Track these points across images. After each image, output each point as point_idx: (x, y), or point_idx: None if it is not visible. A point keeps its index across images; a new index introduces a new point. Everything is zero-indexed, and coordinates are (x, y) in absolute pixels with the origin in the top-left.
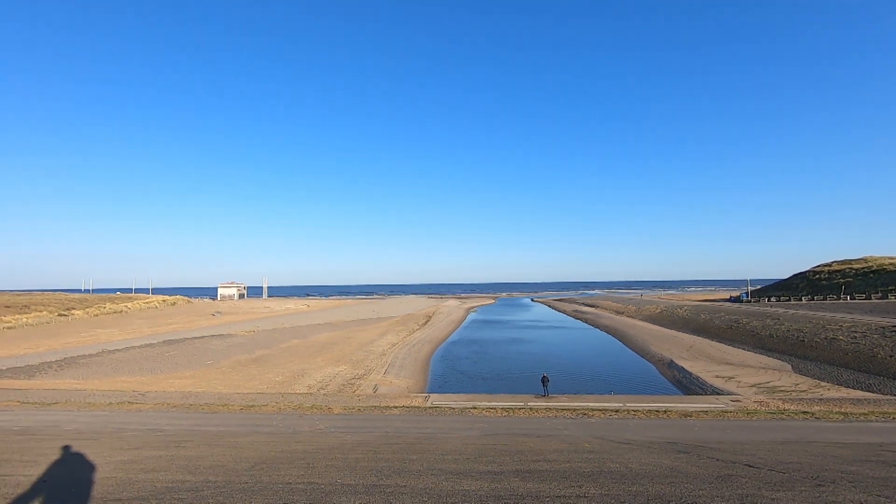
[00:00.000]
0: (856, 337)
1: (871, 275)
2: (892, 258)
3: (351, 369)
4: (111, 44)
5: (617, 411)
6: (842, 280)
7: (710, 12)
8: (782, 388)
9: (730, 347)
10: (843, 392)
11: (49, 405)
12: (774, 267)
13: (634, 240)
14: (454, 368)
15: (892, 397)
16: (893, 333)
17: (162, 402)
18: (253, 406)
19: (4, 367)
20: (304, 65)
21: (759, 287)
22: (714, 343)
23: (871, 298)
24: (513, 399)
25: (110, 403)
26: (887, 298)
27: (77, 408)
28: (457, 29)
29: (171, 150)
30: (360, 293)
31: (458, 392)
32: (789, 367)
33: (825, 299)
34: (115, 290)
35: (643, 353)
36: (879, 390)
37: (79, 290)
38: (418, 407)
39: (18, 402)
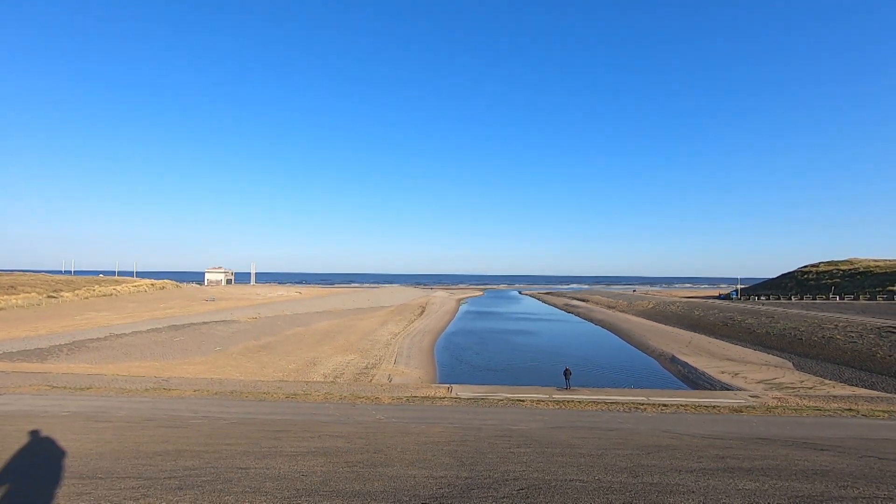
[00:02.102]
0: (852, 336)
1: (858, 276)
2: (875, 260)
3: (361, 358)
4: (95, 22)
5: (653, 405)
6: (829, 281)
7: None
8: (789, 385)
9: (728, 344)
10: (849, 390)
11: (81, 390)
12: (760, 266)
13: (619, 235)
14: (459, 359)
15: None
16: (889, 334)
17: (196, 389)
18: (296, 395)
19: (14, 350)
20: (294, 50)
21: (747, 285)
22: (712, 339)
23: (859, 299)
24: (536, 391)
25: (146, 389)
26: (875, 299)
27: (114, 393)
28: (436, 17)
29: (159, 134)
30: (346, 281)
31: (473, 383)
32: (790, 364)
33: (815, 299)
34: (98, 273)
35: (643, 347)
36: (883, 388)
37: (59, 272)
38: (453, 397)
39: (48, 385)
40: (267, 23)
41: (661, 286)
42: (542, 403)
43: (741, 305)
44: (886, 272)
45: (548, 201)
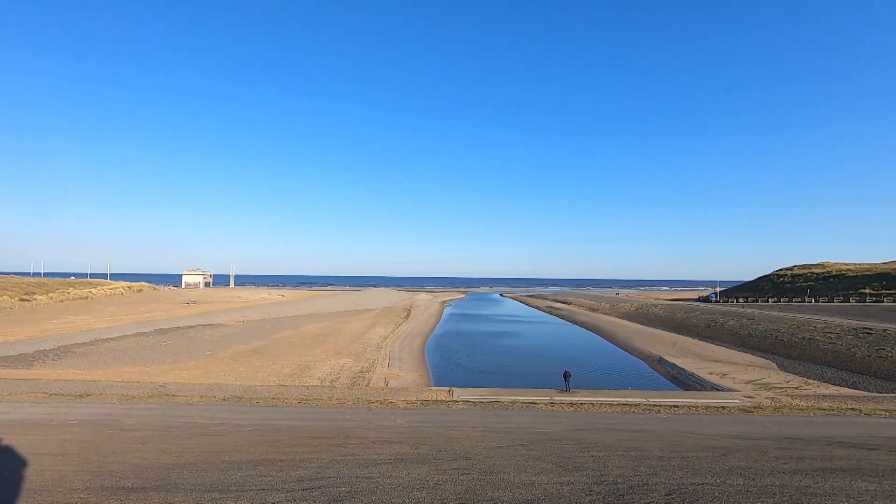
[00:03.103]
0: (831, 337)
1: (832, 279)
2: (846, 264)
3: (354, 362)
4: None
5: (665, 406)
6: (804, 284)
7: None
8: (776, 385)
9: (713, 345)
10: (833, 389)
11: (80, 397)
12: (736, 270)
13: (598, 238)
14: (450, 361)
15: (886, 395)
16: (865, 335)
17: (202, 396)
18: (308, 399)
19: None
20: (274, 45)
21: (725, 288)
22: (696, 341)
23: (833, 301)
24: (535, 393)
25: (149, 396)
26: (849, 302)
27: (116, 400)
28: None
29: (131, 132)
30: (325, 284)
31: (470, 386)
32: (774, 365)
33: (791, 301)
34: (69, 275)
35: (630, 349)
36: (865, 388)
37: (28, 274)
38: (455, 401)
39: (43, 393)
40: (241, 21)
41: (639, 289)
42: (556, 406)
43: (721, 307)
44: (857, 275)
45: (527, 204)
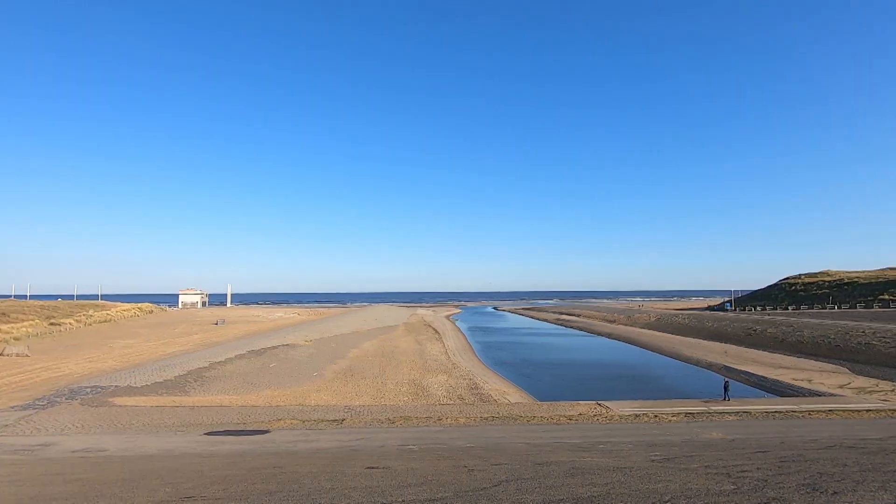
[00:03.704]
0: (888, 342)
1: (846, 286)
2: (849, 272)
3: (449, 378)
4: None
5: (813, 412)
6: (818, 291)
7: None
8: (871, 389)
9: (765, 353)
10: None
11: (338, 422)
12: (725, 279)
13: (582, 249)
14: (522, 374)
15: None
16: None
17: (390, 419)
18: (494, 418)
19: (141, 384)
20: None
21: (733, 297)
22: (744, 349)
23: (856, 308)
24: (689, 404)
25: (342, 420)
26: (872, 308)
27: (364, 425)
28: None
29: (111, 148)
30: (321, 302)
31: (565, 399)
32: (846, 370)
33: (811, 308)
34: (56, 297)
35: (683, 358)
36: None
37: (10, 296)
38: (622, 415)
39: (297, 420)
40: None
41: (633, 300)
42: (730, 416)
43: (745, 316)
44: (871, 282)
45: (511, 215)
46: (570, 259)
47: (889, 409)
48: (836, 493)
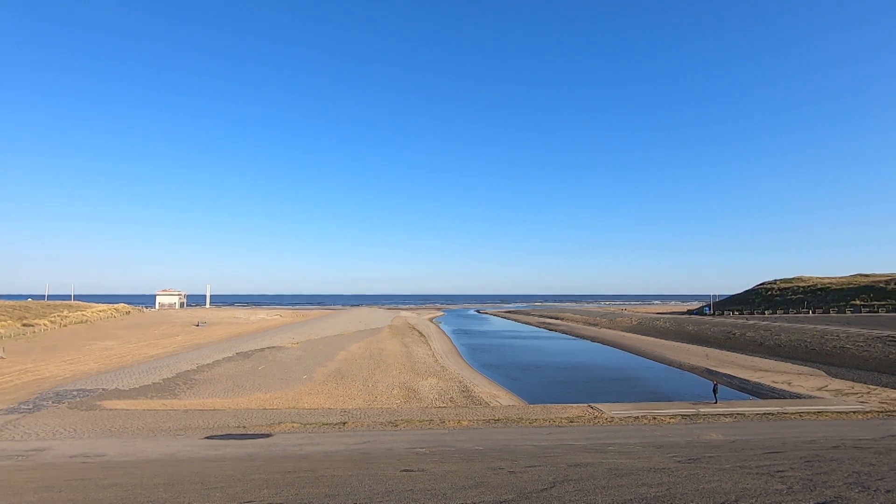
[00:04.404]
0: (861, 346)
1: (819, 292)
2: (821, 278)
3: (439, 381)
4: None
5: (802, 414)
6: (794, 296)
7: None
8: (847, 392)
9: (745, 356)
10: None
11: (340, 425)
12: (698, 283)
13: (560, 252)
14: (510, 377)
15: None
16: (892, 342)
17: (390, 422)
18: (499, 420)
19: (129, 387)
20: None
21: (708, 302)
22: (725, 352)
23: (829, 312)
24: (680, 406)
25: (380, 424)
26: (844, 313)
27: (366, 428)
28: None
29: (88, 144)
30: (299, 303)
31: (558, 402)
32: (822, 372)
33: (787, 312)
34: (24, 297)
35: (667, 361)
36: None
37: None
38: (611, 418)
39: (297, 423)
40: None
41: (609, 304)
42: (761, 417)
43: (721, 319)
44: (843, 288)
45: (485, 216)
46: (549, 264)
47: (876, 411)
48: (889, 490)
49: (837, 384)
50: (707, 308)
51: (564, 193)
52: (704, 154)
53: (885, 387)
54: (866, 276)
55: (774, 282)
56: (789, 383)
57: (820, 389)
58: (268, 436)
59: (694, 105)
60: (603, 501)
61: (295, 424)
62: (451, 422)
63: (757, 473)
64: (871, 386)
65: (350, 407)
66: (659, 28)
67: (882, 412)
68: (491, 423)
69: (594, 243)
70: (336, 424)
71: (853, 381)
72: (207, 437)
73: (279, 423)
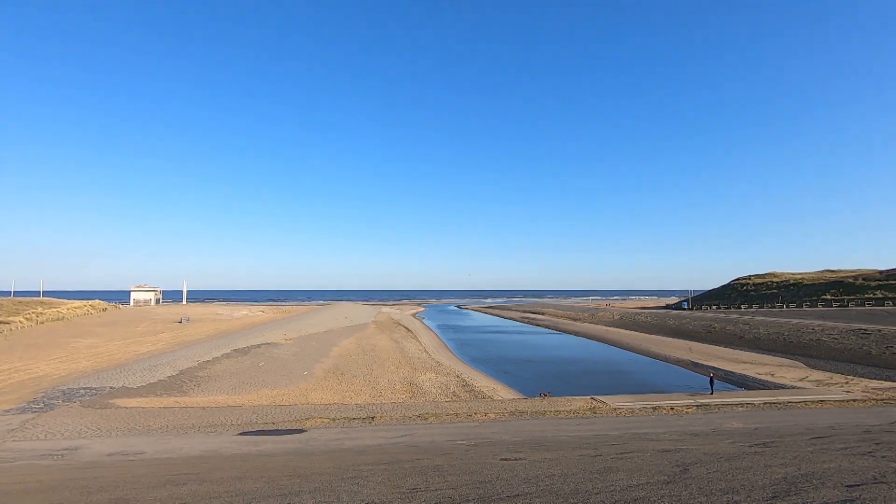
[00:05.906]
0: (836, 338)
1: (792, 287)
2: (793, 273)
3: (438, 376)
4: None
5: (792, 403)
6: (768, 292)
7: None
8: (826, 382)
9: (726, 349)
10: (876, 382)
11: (368, 420)
12: (672, 279)
13: (538, 247)
14: (504, 372)
15: None
16: (864, 335)
17: (411, 416)
18: (523, 412)
19: (136, 385)
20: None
21: (687, 297)
22: (707, 346)
23: (802, 307)
24: (679, 398)
25: (372, 417)
26: (816, 307)
27: (396, 422)
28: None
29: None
30: (279, 299)
31: (573, 395)
32: (801, 364)
33: (762, 307)
34: None
35: (652, 355)
36: None
37: None
38: (617, 408)
39: (328, 418)
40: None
41: (588, 298)
42: (768, 406)
43: (701, 314)
44: (814, 283)
45: (463, 209)
46: (527, 259)
47: (873, 399)
48: None
49: (817, 375)
50: (686, 303)
51: (541, 186)
52: (683, 148)
53: (861, 377)
54: (833, 272)
55: (749, 277)
56: (772, 374)
57: (801, 380)
58: (301, 431)
59: (671, 98)
60: (758, 480)
61: (325, 419)
62: (480, 414)
63: (852, 454)
64: (848, 376)
65: (360, 402)
66: (638, 21)
67: (877, 400)
68: (515, 415)
69: (572, 239)
70: (364, 419)
71: (831, 371)
72: (241, 434)
73: (307, 418)
